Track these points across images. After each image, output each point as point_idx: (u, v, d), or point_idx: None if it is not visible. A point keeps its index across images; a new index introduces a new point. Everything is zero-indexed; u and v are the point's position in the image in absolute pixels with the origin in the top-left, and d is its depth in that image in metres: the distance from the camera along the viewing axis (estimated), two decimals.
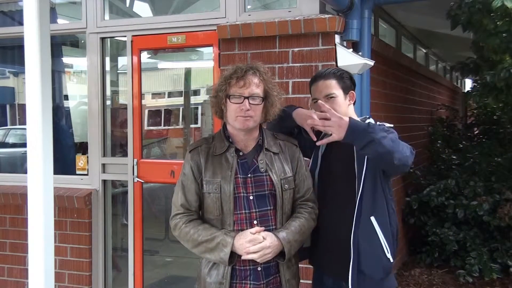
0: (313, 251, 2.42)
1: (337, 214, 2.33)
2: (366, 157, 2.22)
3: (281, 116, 2.37)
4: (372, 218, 2.24)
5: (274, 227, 2.17)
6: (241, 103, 2.11)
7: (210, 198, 2.15)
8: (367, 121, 2.30)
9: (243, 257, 2.09)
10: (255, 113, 2.14)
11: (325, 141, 2.19)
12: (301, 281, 2.38)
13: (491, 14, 4.29)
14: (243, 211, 2.14)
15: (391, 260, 2.27)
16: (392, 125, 2.28)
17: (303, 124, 2.35)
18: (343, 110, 2.31)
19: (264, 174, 2.18)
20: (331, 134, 2.18)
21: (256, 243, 2.06)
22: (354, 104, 2.43)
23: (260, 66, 2.21)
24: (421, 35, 7.07)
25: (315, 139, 2.35)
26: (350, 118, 2.12)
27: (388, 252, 2.26)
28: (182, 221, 2.17)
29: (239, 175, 2.15)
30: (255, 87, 2.14)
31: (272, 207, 2.18)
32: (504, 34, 4.43)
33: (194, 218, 2.18)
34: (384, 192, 2.28)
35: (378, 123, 2.29)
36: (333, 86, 2.32)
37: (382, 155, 2.09)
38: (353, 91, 2.40)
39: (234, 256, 2.09)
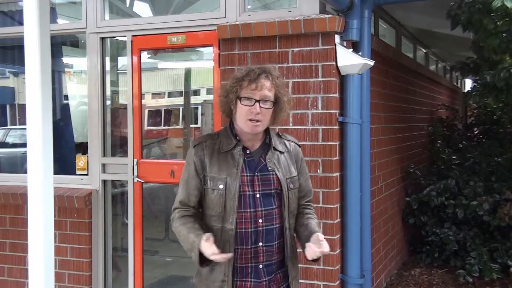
0: None
1: None
2: None
3: None
4: None
5: (278, 225, 2.17)
6: (252, 105, 2.10)
7: (214, 195, 2.13)
8: None
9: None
10: (265, 117, 2.12)
11: None
12: (300, 281, 2.39)
13: (491, 14, 4.28)
14: (248, 210, 2.13)
15: None
16: None
17: None
18: None
19: (271, 173, 2.17)
20: None
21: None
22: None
23: (273, 70, 2.19)
24: (421, 35, 7.06)
25: None
26: None
27: None
28: (176, 216, 2.19)
29: (245, 173, 2.15)
30: (267, 91, 2.12)
31: (276, 206, 2.18)
32: (504, 34, 4.42)
33: (187, 214, 2.18)
34: None
35: None
36: None
37: None
38: None
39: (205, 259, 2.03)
